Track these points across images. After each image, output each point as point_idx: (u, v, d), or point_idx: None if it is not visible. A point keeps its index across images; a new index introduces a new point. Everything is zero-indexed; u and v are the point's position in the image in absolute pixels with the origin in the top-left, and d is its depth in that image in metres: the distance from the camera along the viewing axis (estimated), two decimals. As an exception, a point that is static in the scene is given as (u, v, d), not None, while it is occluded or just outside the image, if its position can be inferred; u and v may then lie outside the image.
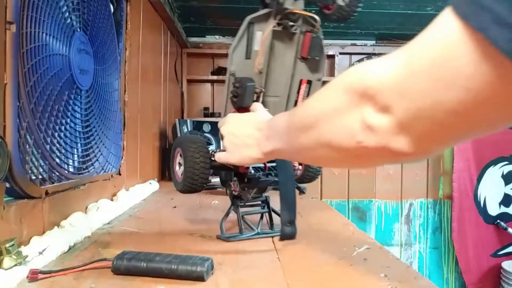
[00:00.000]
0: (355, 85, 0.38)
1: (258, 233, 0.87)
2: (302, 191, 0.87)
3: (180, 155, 0.90)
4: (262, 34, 0.82)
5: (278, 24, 0.81)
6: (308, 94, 0.90)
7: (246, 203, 0.91)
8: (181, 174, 0.89)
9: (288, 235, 0.77)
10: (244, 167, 0.84)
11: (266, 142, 0.60)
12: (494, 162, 2.74)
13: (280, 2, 0.80)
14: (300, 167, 0.95)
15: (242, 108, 0.82)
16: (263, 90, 0.85)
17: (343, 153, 0.42)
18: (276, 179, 0.86)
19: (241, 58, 0.83)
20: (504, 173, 2.76)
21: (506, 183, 2.78)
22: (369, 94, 0.36)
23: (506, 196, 2.78)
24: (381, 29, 2.47)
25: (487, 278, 2.71)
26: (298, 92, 0.89)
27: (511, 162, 2.76)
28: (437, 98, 0.31)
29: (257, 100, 0.85)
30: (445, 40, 0.30)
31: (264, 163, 0.88)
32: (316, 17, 0.82)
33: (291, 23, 0.82)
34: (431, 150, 0.37)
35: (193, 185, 0.85)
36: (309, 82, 0.89)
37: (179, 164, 0.92)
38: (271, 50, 0.84)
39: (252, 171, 0.89)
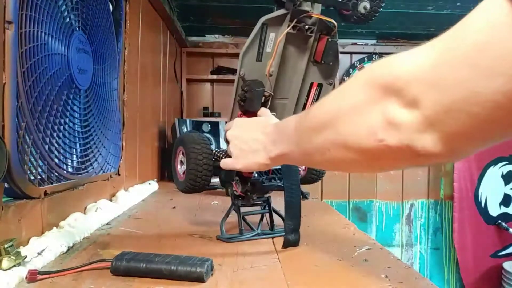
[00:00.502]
0: (379, 78, 0.35)
1: (258, 234, 0.86)
2: (305, 197, 0.86)
3: (182, 154, 0.90)
4: (275, 36, 0.79)
5: (294, 27, 0.78)
6: (318, 97, 0.87)
7: (247, 204, 0.90)
8: (183, 173, 0.89)
9: (291, 243, 0.78)
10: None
11: (272, 147, 0.57)
12: (494, 162, 2.74)
13: (297, 4, 0.76)
14: (303, 167, 0.93)
15: (249, 112, 0.80)
16: (272, 94, 0.83)
17: (360, 154, 0.39)
18: (280, 183, 0.85)
19: (252, 60, 0.80)
20: (504, 173, 2.76)
21: (506, 183, 2.77)
22: (394, 87, 0.33)
23: (506, 196, 2.77)
24: (382, 28, 2.47)
25: (487, 279, 2.70)
26: (308, 95, 0.86)
27: (510, 162, 2.75)
28: (476, 88, 0.28)
29: (265, 104, 0.82)
30: (490, 23, 0.27)
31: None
32: (334, 21, 0.79)
33: (307, 26, 0.79)
34: (461, 150, 0.33)
35: (195, 186, 0.86)
36: (320, 85, 0.86)
37: (181, 162, 0.92)
38: (283, 52, 0.81)
39: (256, 175, 0.88)
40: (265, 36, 0.78)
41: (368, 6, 0.77)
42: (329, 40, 0.80)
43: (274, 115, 0.81)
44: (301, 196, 0.85)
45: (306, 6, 0.78)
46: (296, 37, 0.81)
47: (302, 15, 0.77)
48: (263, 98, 0.81)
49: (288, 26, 0.77)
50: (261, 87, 0.79)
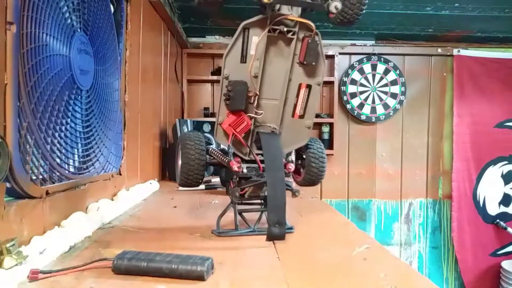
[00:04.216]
0: None
1: (253, 231, 0.87)
2: (294, 194, 0.87)
3: (180, 150, 0.94)
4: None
5: (274, 30, 0.82)
6: (308, 97, 0.89)
7: (246, 202, 0.91)
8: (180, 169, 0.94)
9: (275, 236, 0.78)
10: (237, 166, 0.86)
11: None
12: (494, 162, 2.74)
13: (275, 9, 0.81)
14: (293, 164, 0.94)
15: (236, 110, 0.84)
16: (258, 93, 0.86)
17: None
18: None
19: (236, 62, 0.84)
20: (504, 173, 2.77)
21: (506, 183, 2.78)
22: None
23: (505, 195, 2.78)
24: (380, 29, 2.48)
25: (486, 278, 2.71)
26: (297, 96, 0.89)
27: (510, 162, 2.76)
28: None
29: (252, 103, 0.86)
30: None
31: (259, 164, 0.88)
32: (311, 23, 0.82)
33: (287, 29, 0.82)
34: None
35: (188, 180, 0.91)
36: (309, 86, 0.88)
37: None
38: (267, 54, 0.84)
39: (245, 171, 0.90)
40: (247, 39, 0.82)
41: (339, 6, 0.79)
42: (309, 41, 0.83)
43: (262, 113, 0.86)
44: (291, 193, 0.87)
45: (287, 10, 0.81)
46: (279, 40, 0.84)
47: (278, 18, 0.81)
48: (249, 97, 0.85)
49: (267, 29, 0.81)
50: (244, 86, 0.83)
